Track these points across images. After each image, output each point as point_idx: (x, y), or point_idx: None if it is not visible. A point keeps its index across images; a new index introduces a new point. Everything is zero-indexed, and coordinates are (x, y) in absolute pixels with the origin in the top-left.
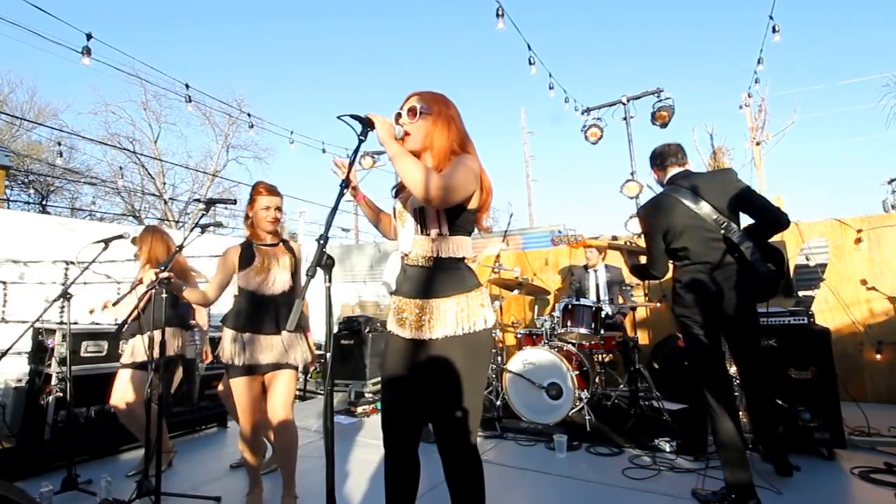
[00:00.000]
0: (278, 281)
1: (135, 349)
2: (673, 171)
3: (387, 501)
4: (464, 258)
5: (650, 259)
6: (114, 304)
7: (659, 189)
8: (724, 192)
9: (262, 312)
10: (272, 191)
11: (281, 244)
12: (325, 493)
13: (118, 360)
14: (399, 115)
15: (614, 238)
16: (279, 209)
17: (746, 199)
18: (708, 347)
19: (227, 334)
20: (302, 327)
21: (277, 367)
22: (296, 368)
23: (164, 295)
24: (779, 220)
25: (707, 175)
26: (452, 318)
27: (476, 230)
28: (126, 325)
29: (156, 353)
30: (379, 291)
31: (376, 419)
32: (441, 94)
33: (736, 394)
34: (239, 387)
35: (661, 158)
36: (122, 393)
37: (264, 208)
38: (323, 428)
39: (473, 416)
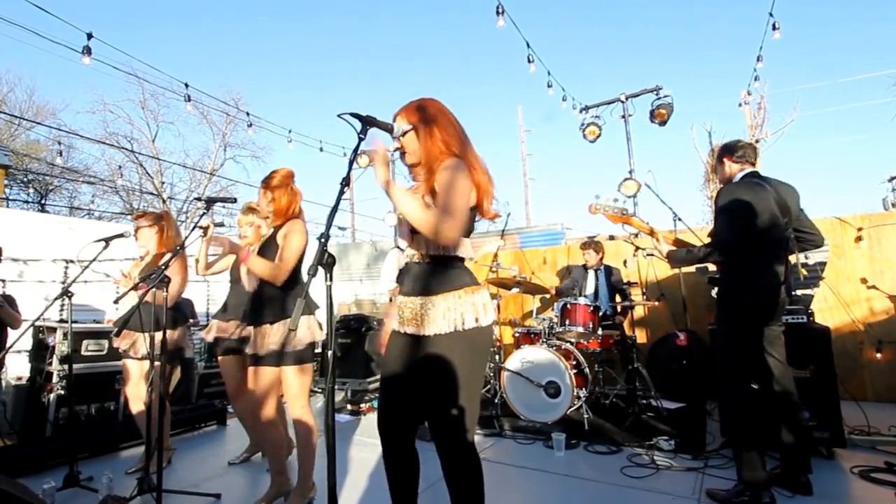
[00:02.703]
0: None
1: (137, 346)
2: (748, 167)
3: (391, 494)
4: (461, 257)
5: (719, 241)
6: (114, 302)
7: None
8: (794, 202)
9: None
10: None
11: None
12: (327, 490)
13: (119, 356)
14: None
15: (611, 238)
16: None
17: (804, 216)
18: (755, 343)
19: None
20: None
21: (279, 361)
22: (298, 362)
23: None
24: (821, 243)
25: (782, 182)
26: (445, 314)
27: (481, 219)
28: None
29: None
30: (376, 290)
31: (374, 417)
32: (420, 102)
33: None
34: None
35: (743, 151)
36: (135, 385)
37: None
38: (324, 425)
39: (470, 413)
